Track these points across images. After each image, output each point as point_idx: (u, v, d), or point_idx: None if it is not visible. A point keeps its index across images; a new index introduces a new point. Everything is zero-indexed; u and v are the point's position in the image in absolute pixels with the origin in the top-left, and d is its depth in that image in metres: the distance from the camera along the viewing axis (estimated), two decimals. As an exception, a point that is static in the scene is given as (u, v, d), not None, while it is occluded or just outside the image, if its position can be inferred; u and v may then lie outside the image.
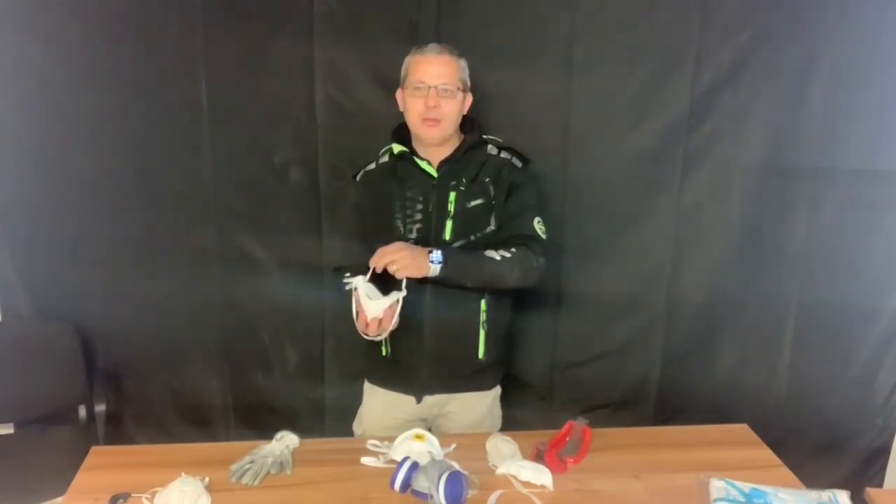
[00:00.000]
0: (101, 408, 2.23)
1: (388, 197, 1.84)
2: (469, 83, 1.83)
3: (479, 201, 1.82)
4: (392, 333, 1.77)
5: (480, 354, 1.89)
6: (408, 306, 1.70)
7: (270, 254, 2.33)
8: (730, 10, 2.17)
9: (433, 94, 1.75)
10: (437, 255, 1.69)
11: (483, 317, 1.86)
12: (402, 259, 1.65)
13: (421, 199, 1.82)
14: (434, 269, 1.69)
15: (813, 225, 2.35)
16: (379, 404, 1.98)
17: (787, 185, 2.31)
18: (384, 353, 1.91)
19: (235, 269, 2.34)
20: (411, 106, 1.78)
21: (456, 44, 1.83)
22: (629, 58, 2.21)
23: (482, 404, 2.00)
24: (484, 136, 1.88)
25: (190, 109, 2.19)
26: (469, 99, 1.85)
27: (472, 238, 1.82)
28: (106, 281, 2.32)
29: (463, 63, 1.81)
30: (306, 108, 2.20)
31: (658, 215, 2.34)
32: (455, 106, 1.79)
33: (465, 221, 1.81)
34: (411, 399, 1.93)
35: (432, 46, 1.79)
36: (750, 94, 2.23)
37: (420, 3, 2.15)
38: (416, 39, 2.13)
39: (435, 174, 1.82)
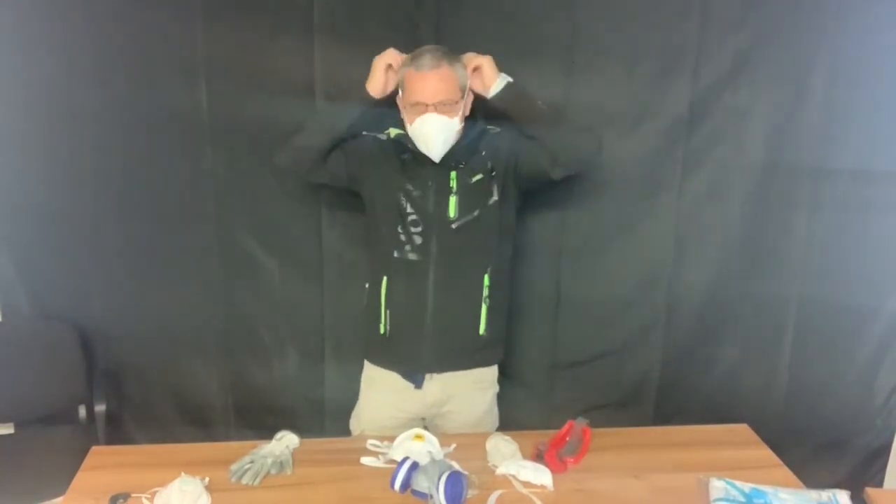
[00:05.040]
0: (101, 408, 2.22)
1: (391, 172, 1.86)
2: (467, 83, 1.83)
3: (479, 176, 1.86)
4: (392, 311, 1.84)
5: (481, 330, 1.91)
6: (411, 283, 1.82)
7: (270, 254, 2.33)
8: (730, 10, 2.17)
9: (427, 110, 1.76)
10: (504, 75, 1.82)
11: (486, 292, 1.89)
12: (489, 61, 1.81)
13: (422, 177, 1.84)
14: (500, 83, 1.80)
15: (813, 225, 2.35)
16: (378, 400, 1.98)
17: (787, 185, 2.31)
18: (382, 332, 1.91)
19: (235, 269, 2.33)
20: (411, 121, 1.79)
21: (455, 44, 1.83)
22: (629, 58, 2.20)
23: (481, 404, 2.01)
24: (487, 127, 1.91)
25: (190, 109, 2.19)
26: (469, 98, 1.85)
27: (476, 213, 1.85)
28: (106, 281, 2.31)
29: (460, 67, 1.81)
30: (306, 108, 2.20)
31: (658, 215, 2.33)
32: (456, 115, 1.79)
33: (468, 196, 1.85)
34: (411, 389, 1.93)
35: (427, 58, 1.76)
36: (750, 94, 2.23)
37: (420, 2, 2.15)
38: (415, 39, 2.13)
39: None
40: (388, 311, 1.89)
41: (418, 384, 1.93)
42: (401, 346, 1.91)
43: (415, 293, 1.86)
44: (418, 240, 1.84)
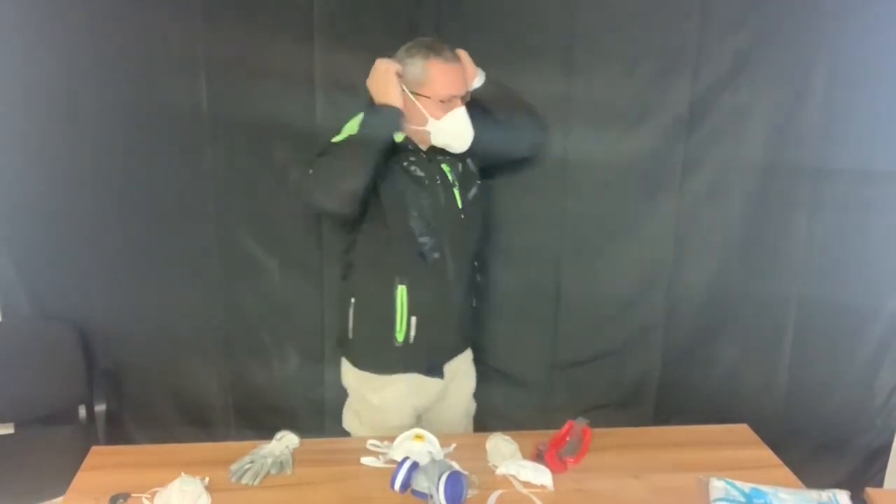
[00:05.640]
0: (101, 408, 2.22)
1: (398, 177, 1.81)
2: None
3: (460, 165, 1.90)
4: (419, 315, 1.84)
5: (473, 304, 2.03)
6: (434, 283, 1.85)
7: (270, 254, 2.33)
8: (730, 10, 2.17)
9: (457, 104, 1.78)
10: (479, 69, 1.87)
11: (476, 276, 2.00)
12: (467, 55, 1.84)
13: (425, 175, 1.83)
14: (481, 77, 1.84)
15: (813, 225, 2.34)
16: (402, 408, 1.94)
17: (787, 185, 2.31)
18: (401, 340, 1.87)
19: (235, 269, 2.34)
20: (438, 116, 1.77)
21: (455, 44, 1.83)
22: (629, 58, 2.21)
23: (472, 378, 2.11)
24: None
25: (190, 109, 2.19)
26: None
27: (471, 198, 1.91)
28: (106, 281, 2.32)
29: None
30: (306, 108, 2.20)
31: (658, 215, 2.34)
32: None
33: (464, 185, 1.89)
34: (429, 382, 1.94)
35: (448, 51, 1.76)
36: (750, 94, 2.23)
37: (420, 3, 2.15)
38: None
39: (423, 150, 1.85)
40: (410, 318, 1.84)
41: (441, 376, 1.96)
42: (426, 346, 1.88)
43: (439, 291, 1.86)
44: (433, 239, 1.83)
